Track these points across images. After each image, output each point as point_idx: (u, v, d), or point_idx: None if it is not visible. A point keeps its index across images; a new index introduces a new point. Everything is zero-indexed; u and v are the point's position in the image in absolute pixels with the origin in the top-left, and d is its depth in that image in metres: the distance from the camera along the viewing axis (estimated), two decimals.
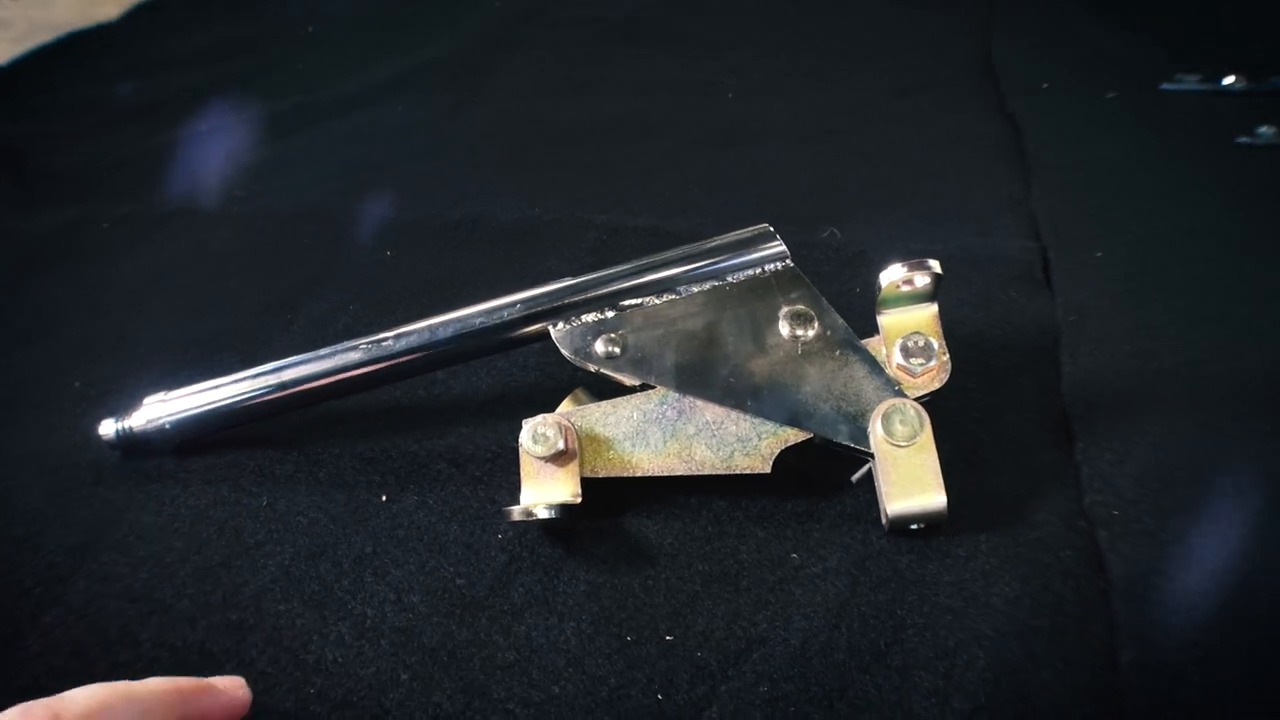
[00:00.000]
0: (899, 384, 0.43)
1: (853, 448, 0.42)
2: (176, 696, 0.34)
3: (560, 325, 0.45)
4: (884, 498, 0.41)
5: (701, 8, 0.99)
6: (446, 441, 0.50)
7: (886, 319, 0.44)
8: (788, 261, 0.45)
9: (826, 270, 0.58)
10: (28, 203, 0.77)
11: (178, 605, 0.43)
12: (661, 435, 0.44)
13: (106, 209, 0.74)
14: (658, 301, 0.45)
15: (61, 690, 0.32)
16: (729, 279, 0.45)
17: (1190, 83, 0.72)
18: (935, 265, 0.42)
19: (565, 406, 0.45)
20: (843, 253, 0.59)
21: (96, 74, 0.97)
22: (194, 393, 0.48)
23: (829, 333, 0.44)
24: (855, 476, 0.44)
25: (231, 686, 0.37)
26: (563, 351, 0.45)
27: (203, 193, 0.75)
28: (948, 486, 0.41)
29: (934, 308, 0.44)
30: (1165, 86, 0.72)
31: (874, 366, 0.43)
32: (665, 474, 0.43)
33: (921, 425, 0.42)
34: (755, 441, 0.43)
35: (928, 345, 0.43)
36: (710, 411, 0.44)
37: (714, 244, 0.46)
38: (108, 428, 0.49)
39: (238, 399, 0.47)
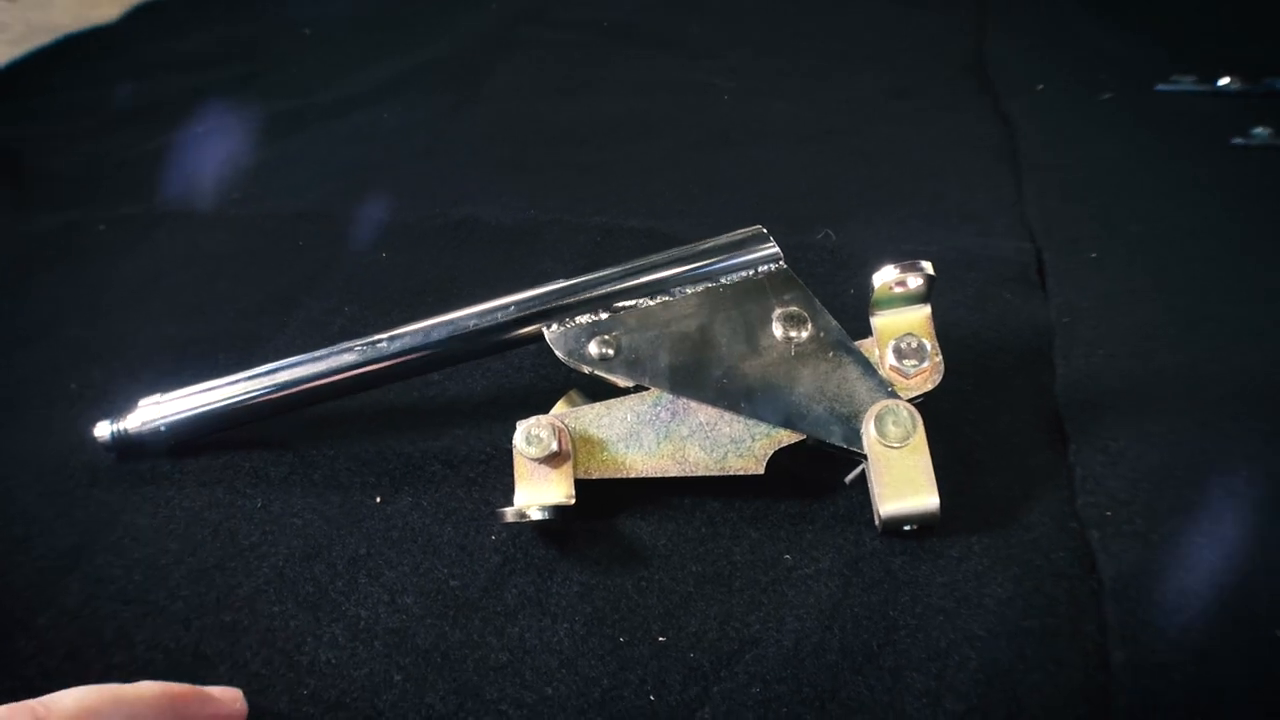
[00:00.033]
0: (892, 385, 0.43)
1: (846, 449, 0.43)
2: (168, 702, 0.34)
3: (554, 327, 0.45)
4: (877, 499, 0.41)
5: (700, 8, 0.99)
6: (441, 443, 0.50)
7: (879, 320, 0.44)
8: (781, 263, 0.45)
9: (821, 272, 0.58)
10: (25, 204, 0.77)
11: (172, 607, 0.43)
12: (655, 436, 0.44)
13: (104, 211, 0.74)
14: (651, 303, 0.45)
15: (54, 692, 0.32)
16: (722, 280, 0.45)
17: (1186, 84, 0.72)
18: (928, 267, 0.42)
19: (559, 408, 0.45)
20: (838, 254, 0.59)
21: (94, 76, 0.97)
22: (189, 394, 0.48)
23: (822, 334, 0.44)
24: (848, 478, 0.44)
25: (228, 698, 0.37)
26: (556, 353, 0.45)
27: (200, 194, 0.75)
28: (941, 487, 0.41)
29: (927, 309, 0.44)
30: (1160, 88, 0.73)
31: (867, 368, 0.43)
32: (659, 475, 0.43)
33: (914, 426, 0.42)
34: (749, 443, 0.43)
35: (920, 346, 0.43)
36: (704, 413, 0.44)
37: (707, 245, 0.46)
38: (103, 429, 0.49)
39: (232, 401, 0.48)
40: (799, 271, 0.45)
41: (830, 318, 0.44)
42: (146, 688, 0.34)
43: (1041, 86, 0.76)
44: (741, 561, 0.43)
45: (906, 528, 0.42)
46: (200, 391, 0.48)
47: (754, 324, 0.44)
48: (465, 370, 0.53)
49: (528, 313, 0.45)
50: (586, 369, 0.45)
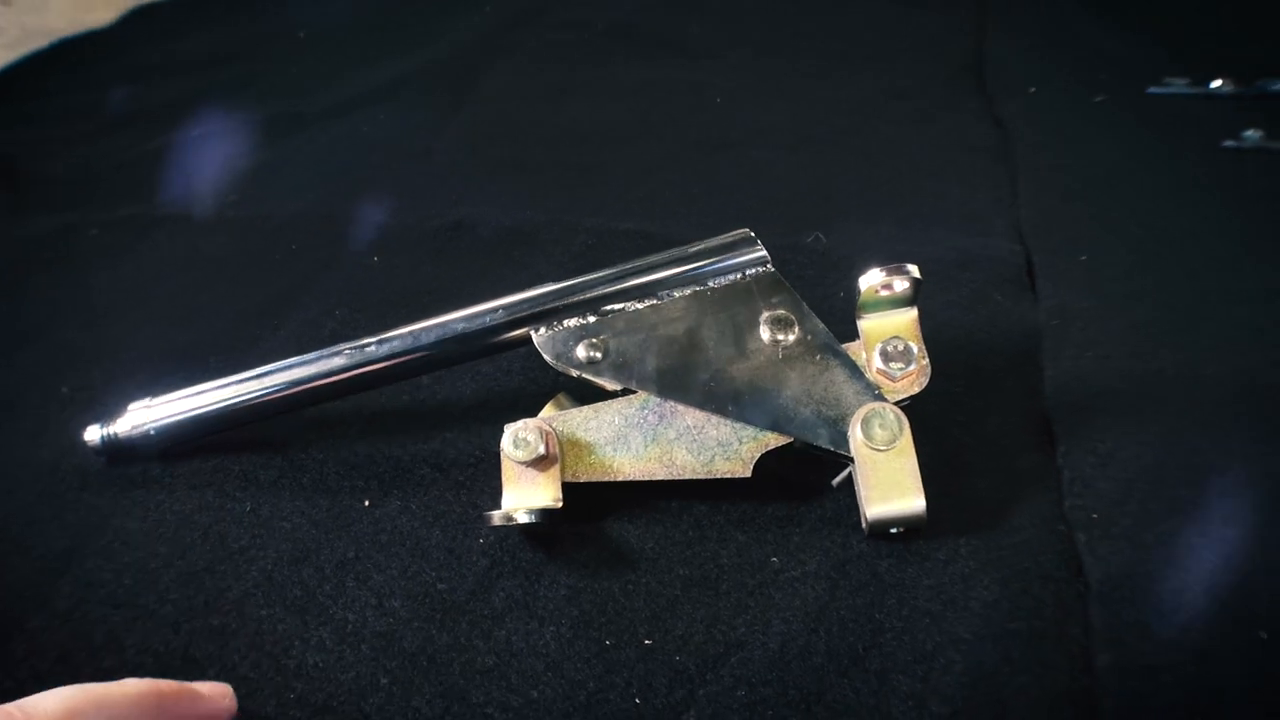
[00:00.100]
0: (879, 388, 0.43)
1: (833, 452, 0.43)
2: (155, 701, 0.34)
3: (542, 330, 0.45)
4: (863, 502, 0.41)
5: (700, 9, 0.99)
6: (430, 446, 0.50)
7: (866, 323, 0.44)
8: (768, 266, 0.45)
9: (810, 275, 0.58)
10: (21, 208, 0.78)
11: (161, 611, 0.43)
12: (642, 440, 0.44)
13: (99, 214, 0.74)
14: (639, 306, 0.45)
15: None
16: (710, 284, 0.45)
17: (1178, 86, 0.72)
18: (914, 270, 0.42)
19: (547, 411, 0.45)
20: (828, 256, 0.59)
21: (90, 80, 0.98)
22: (178, 398, 0.48)
23: (809, 337, 0.44)
24: (835, 480, 0.44)
25: (217, 694, 0.36)
26: (544, 356, 0.45)
27: (195, 198, 0.75)
28: (930, 489, 0.41)
29: (914, 312, 0.44)
30: (1153, 90, 0.73)
31: (854, 371, 0.43)
32: (646, 478, 0.43)
33: (901, 429, 0.42)
34: (736, 446, 0.43)
35: (907, 350, 0.43)
36: (691, 416, 0.44)
37: (695, 249, 0.46)
38: (93, 434, 0.49)
39: (221, 404, 0.48)
40: (790, 274, 0.45)
41: (817, 321, 0.44)
42: (132, 686, 0.33)
43: (1034, 89, 0.76)
44: (728, 564, 0.43)
45: (893, 530, 0.42)
46: (189, 395, 0.48)
47: (741, 327, 0.44)
48: (454, 373, 0.53)
49: (516, 316, 0.45)
50: (574, 372, 0.45)
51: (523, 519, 0.42)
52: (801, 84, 0.83)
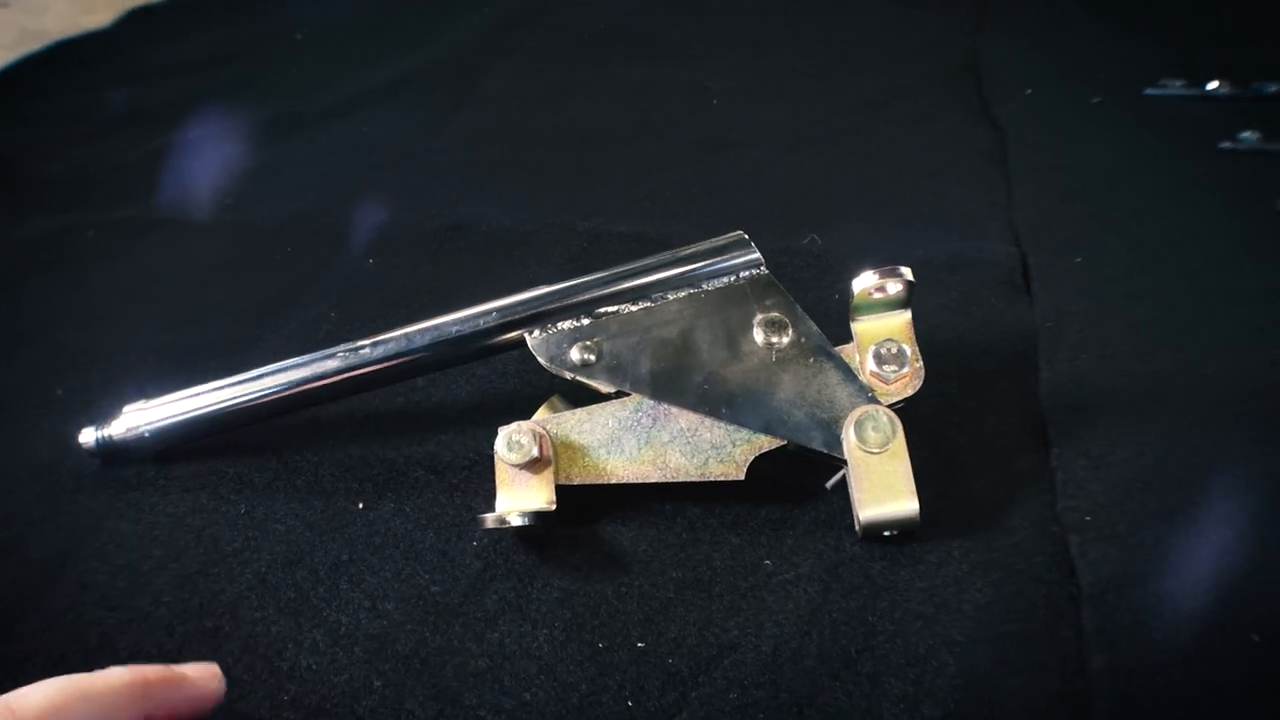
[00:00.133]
0: (872, 391, 0.43)
1: (826, 454, 0.43)
2: (141, 688, 0.33)
3: (536, 333, 0.45)
4: (856, 504, 0.41)
5: (700, 9, 0.99)
6: (425, 448, 0.50)
7: (860, 326, 0.44)
8: (762, 269, 0.45)
9: (805, 277, 0.57)
10: (19, 209, 0.78)
11: (155, 613, 0.43)
12: (636, 442, 0.44)
13: (97, 216, 0.75)
14: (633, 309, 0.45)
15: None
16: (704, 286, 0.45)
17: (1175, 88, 0.72)
18: (907, 272, 0.42)
19: (541, 414, 0.45)
20: (824, 259, 0.59)
21: (88, 81, 0.98)
22: (173, 401, 0.48)
23: (803, 340, 0.44)
24: (829, 483, 0.44)
25: (204, 676, 0.35)
26: (538, 359, 0.45)
27: (194, 200, 0.75)
28: (924, 491, 0.41)
29: (907, 314, 0.44)
30: (1149, 92, 0.72)
31: (848, 373, 0.43)
32: (640, 481, 0.43)
33: (894, 432, 0.42)
34: (729, 448, 0.43)
35: (900, 352, 0.43)
36: (685, 418, 0.44)
37: (689, 251, 0.46)
38: (88, 436, 0.49)
39: (216, 407, 0.48)
40: (786, 276, 0.45)
41: (811, 323, 0.44)
42: (117, 674, 0.33)
43: (1030, 90, 0.76)
44: (721, 567, 0.43)
45: (886, 533, 0.42)
46: (184, 398, 0.48)
47: (735, 330, 0.44)
48: (449, 376, 0.53)
49: (510, 319, 0.45)
50: (568, 375, 0.45)
51: (516, 522, 0.42)
52: (801, 84, 0.83)
